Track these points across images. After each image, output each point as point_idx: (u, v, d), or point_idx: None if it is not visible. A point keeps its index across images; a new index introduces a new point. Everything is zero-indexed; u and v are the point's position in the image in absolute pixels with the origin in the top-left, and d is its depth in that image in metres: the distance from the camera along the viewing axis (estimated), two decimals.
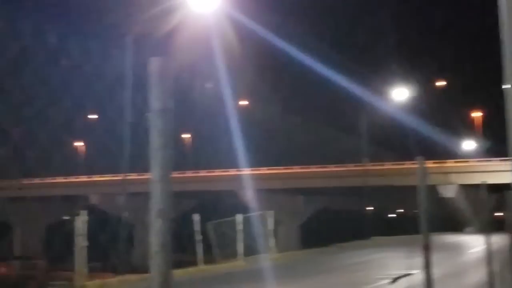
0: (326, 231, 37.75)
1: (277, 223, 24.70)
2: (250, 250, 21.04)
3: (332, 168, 45.53)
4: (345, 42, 53.04)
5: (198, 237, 20.26)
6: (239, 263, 20.27)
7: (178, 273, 15.53)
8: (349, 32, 52.26)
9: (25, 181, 47.33)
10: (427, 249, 5.04)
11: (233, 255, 21.06)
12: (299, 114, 48.98)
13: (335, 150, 46.25)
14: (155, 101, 3.50)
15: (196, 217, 20.16)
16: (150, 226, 3.51)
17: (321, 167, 45.77)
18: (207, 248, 20.91)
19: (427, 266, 5.10)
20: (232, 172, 37.64)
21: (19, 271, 45.85)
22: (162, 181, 3.51)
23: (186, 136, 52.87)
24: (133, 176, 35.65)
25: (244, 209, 24.27)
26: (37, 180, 48.08)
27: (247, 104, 55.56)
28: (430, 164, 41.51)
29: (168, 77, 3.50)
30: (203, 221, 20.64)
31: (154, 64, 3.48)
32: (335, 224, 44.62)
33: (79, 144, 57.19)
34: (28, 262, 48.07)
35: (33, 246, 51.22)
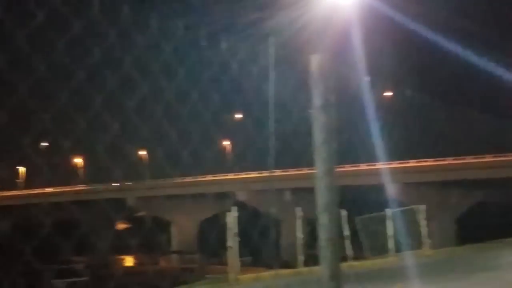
0: (485, 226, 35.42)
1: (429, 218, 23.70)
2: (401, 246, 20.43)
3: (489, 159, 42.47)
4: (494, 22, 49.35)
5: (346, 232, 20.10)
6: (390, 259, 19.78)
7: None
8: (499, 12, 48.53)
9: (179, 180, 50.41)
10: None
11: (383, 251, 20.62)
12: (450, 103, 46.38)
13: (493, 139, 43.18)
14: (317, 97, 3.55)
15: (343, 212, 20.02)
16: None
17: (476, 158, 42.90)
18: (355, 244, 20.70)
19: None
20: (378, 166, 36.89)
21: (177, 265, 49.13)
22: (326, 175, 3.55)
23: None
24: (278, 173, 36.40)
25: (391, 203, 23.60)
26: (189, 179, 50.91)
27: (391, 95, 54.06)
28: None
29: (329, 73, 3.54)
30: (349, 216, 20.45)
31: (315, 62, 3.54)
32: (496, 218, 41.68)
33: (226, 143, 59.67)
34: (185, 256, 51.29)
35: (189, 241, 54.41)
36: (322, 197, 3.51)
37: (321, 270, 3.47)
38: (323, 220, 3.51)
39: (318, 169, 3.54)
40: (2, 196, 67.55)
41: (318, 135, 3.48)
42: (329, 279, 3.42)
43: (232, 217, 17.14)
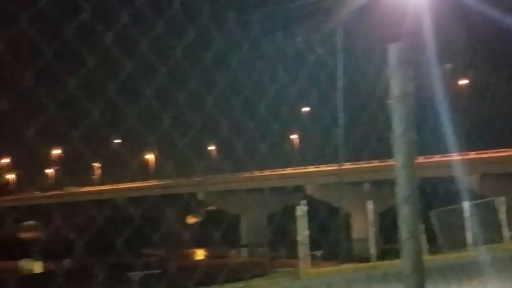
0: None
1: (510, 210, 22.74)
2: (480, 240, 19.72)
3: None
4: None
5: (421, 226, 19.63)
6: (468, 254, 19.16)
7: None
8: None
9: (248, 174, 50.83)
10: None
11: (460, 245, 20.00)
12: None
13: None
14: (395, 87, 3.48)
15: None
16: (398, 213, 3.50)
17: None
18: (430, 238, 20.17)
19: None
20: (454, 157, 35.57)
21: (247, 258, 49.64)
22: (406, 167, 3.48)
23: None
24: (347, 166, 35.98)
25: (469, 196, 22.79)
26: (257, 173, 51.25)
27: (467, 83, 52.19)
28: None
29: (408, 62, 3.45)
30: (423, 209, 19.91)
31: (393, 51, 3.47)
32: None
33: (294, 136, 59.64)
34: (255, 249, 51.76)
35: (258, 234, 54.83)
36: (402, 189, 3.45)
37: (403, 263, 3.41)
38: (404, 212, 3.45)
39: (398, 161, 3.47)
40: (81, 192, 70.57)
41: (397, 126, 3.42)
42: (411, 272, 3.35)
43: (301, 211, 17.16)
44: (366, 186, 38.29)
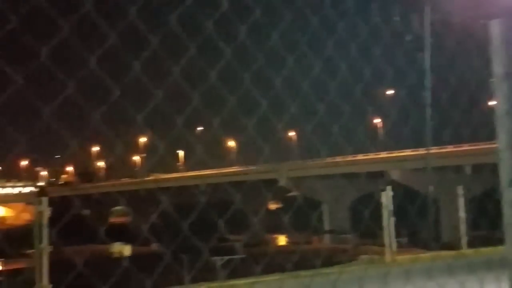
0: None
1: None
2: None
3: None
4: None
5: None
6: None
7: (497, 251, 14.56)
8: None
9: (330, 159, 50.38)
10: None
11: None
12: None
13: None
14: (498, 65, 3.33)
15: None
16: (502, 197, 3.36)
17: None
18: None
19: None
20: None
21: (330, 245, 49.46)
22: (510, 148, 3.32)
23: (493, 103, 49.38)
24: (435, 150, 34.83)
25: None
26: (339, 158, 50.69)
27: None
28: None
29: None
30: None
31: (496, 27, 3.31)
32: None
33: (377, 120, 58.39)
34: (338, 236, 51.43)
35: (341, 220, 54.41)
36: (506, 172, 3.30)
37: (507, 249, 3.28)
38: (509, 196, 3.30)
39: (501, 142, 3.33)
40: (166, 178, 72.93)
41: (501, 105, 3.27)
42: None
43: (387, 197, 16.82)
44: (447, 173, 36.90)
